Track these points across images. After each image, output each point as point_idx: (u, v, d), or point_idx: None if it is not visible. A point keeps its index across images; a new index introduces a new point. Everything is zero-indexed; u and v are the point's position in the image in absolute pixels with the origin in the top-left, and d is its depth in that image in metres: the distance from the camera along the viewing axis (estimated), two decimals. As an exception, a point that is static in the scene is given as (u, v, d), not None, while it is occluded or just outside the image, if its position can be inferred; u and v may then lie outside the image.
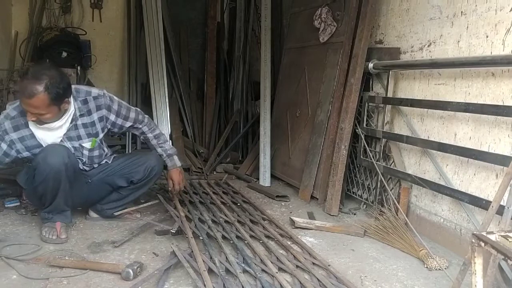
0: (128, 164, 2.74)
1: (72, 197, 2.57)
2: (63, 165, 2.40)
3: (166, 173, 2.89)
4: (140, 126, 2.78)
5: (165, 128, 4.45)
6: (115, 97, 2.68)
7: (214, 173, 4.30)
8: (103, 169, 2.74)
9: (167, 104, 4.57)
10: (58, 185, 2.43)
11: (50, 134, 2.48)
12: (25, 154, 2.50)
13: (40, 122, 2.39)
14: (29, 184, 2.56)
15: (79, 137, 2.58)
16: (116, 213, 2.82)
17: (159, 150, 2.85)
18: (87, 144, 2.61)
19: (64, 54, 4.51)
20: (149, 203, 3.04)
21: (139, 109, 2.82)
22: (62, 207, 2.54)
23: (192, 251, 2.25)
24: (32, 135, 2.46)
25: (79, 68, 4.48)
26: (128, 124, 2.72)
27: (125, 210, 2.86)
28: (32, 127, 2.45)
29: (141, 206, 2.97)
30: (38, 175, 2.41)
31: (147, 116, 2.83)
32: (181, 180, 2.89)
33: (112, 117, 2.64)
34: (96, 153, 2.68)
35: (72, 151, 2.55)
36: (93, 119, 2.59)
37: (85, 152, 2.63)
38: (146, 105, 4.63)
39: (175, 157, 2.89)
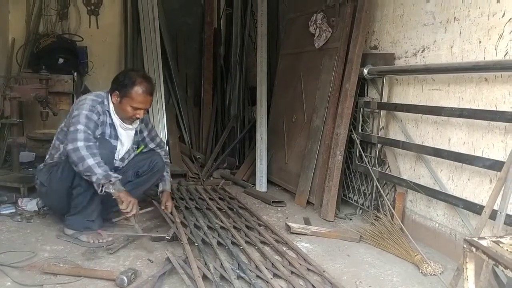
0: (135, 160, 2.89)
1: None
2: (113, 157, 2.62)
3: (161, 194, 3.00)
4: (159, 150, 3.01)
5: (162, 134, 4.45)
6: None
7: (211, 178, 4.30)
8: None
9: (164, 109, 4.58)
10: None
11: (127, 134, 2.70)
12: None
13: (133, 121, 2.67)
14: (49, 182, 2.62)
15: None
16: (114, 220, 2.82)
17: (164, 173, 3.01)
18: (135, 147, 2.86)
19: (61, 60, 4.52)
20: (146, 210, 3.04)
21: (163, 140, 3.16)
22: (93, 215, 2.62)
23: (187, 257, 2.25)
24: (108, 124, 2.63)
25: (75, 74, 4.48)
26: (152, 145, 2.98)
27: (123, 217, 2.86)
28: (119, 128, 2.65)
29: (138, 212, 2.99)
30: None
31: (166, 146, 3.15)
32: (172, 203, 3.04)
33: (145, 133, 2.91)
34: (132, 156, 2.86)
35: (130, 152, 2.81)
36: (137, 128, 2.83)
37: (132, 155, 2.84)
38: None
39: (170, 183, 3.08)
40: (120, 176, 2.49)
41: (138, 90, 2.53)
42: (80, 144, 2.39)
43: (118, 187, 2.45)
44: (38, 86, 3.67)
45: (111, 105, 2.62)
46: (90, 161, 2.36)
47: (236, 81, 5.08)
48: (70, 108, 2.73)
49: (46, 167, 2.70)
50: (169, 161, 3.15)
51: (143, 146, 2.91)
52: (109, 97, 2.63)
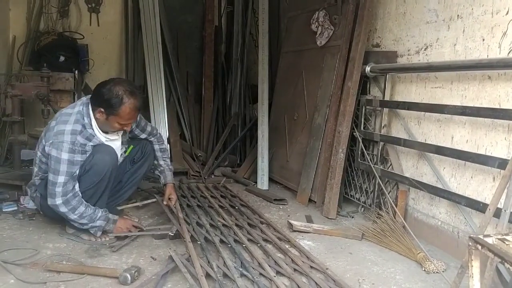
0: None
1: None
2: (117, 161, 2.60)
3: (165, 187, 3.02)
4: (152, 139, 2.98)
5: (163, 131, 4.45)
6: None
7: (212, 176, 4.30)
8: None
9: (165, 107, 4.57)
10: (107, 184, 2.54)
11: (115, 146, 2.61)
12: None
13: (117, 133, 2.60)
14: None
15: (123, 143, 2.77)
16: (119, 208, 2.91)
17: (161, 162, 3.02)
18: (123, 150, 2.79)
19: (62, 58, 4.51)
20: (146, 202, 3.14)
21: (154, 126, 3.13)
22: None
23: (190, 256, 2.25)
24: (100, 142, 2.53)
25: (76, 72, 4.47)
26: (143, 135, 2.92)
27: (129, 205, 3.02)
28: (103, 139, 2.54)
29: (140, 203, 3.09)
30: (94, 175, 2.45)
31: (159, 132, 3.10)
32: (176, 195, 3.06)
33: (133, 126, 2.77)
34: (123, 159, 2.80)
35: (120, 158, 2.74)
36: None
37: (122, 159, 2.78)
38: (144, 108, 4.63)
39: (172, 174, 3.07)
40: (106, 210, 2.54)
41: (126, 109, 2.40)
42: (58, 201, 2.38)
43: (110, 222, 2.54)
44: (39, 84, 3.67)
45: (94, 122, 2.46)
46: (72, 216, 2.42)
47: (237, 79, 5.08)
48: (51, 121, 2.52)
49: (44, 181, 2.54)
50: (164, 146, 3.07)
51: (131, 147, 2.83)
52: (91, 112, 2.45)
